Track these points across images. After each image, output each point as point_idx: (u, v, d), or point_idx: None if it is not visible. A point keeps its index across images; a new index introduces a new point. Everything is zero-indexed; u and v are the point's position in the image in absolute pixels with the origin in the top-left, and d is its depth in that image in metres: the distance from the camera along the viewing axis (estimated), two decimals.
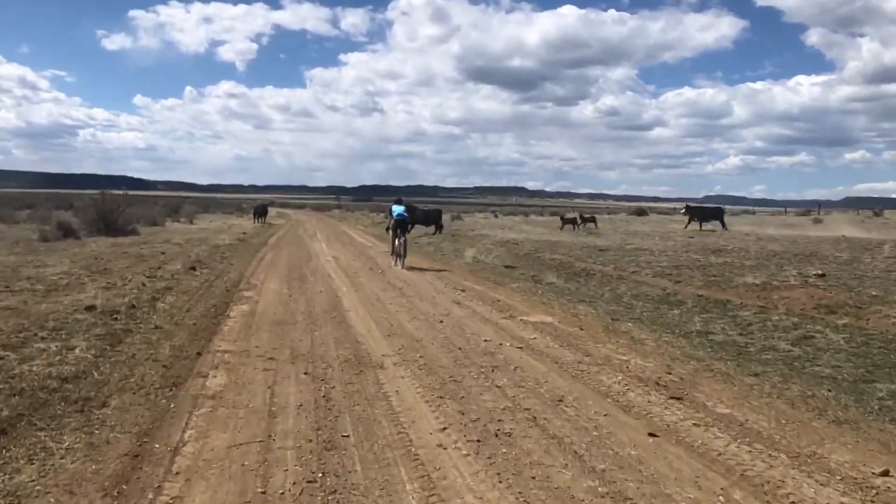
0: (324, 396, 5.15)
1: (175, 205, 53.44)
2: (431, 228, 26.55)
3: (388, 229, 16.42)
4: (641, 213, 76.79)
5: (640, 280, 12.79)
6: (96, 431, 4.25)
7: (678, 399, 5.37)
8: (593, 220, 32.45)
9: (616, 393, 5.49)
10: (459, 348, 6.87)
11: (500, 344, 7.14)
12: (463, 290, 11.33)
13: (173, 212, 47.73)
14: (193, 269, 12.94)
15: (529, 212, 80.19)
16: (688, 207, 32.71)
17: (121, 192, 27.48)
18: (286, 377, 5.70)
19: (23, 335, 6.65)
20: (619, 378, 5.94)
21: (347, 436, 4.34)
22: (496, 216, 61.68)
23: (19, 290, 9.62)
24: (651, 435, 4.51)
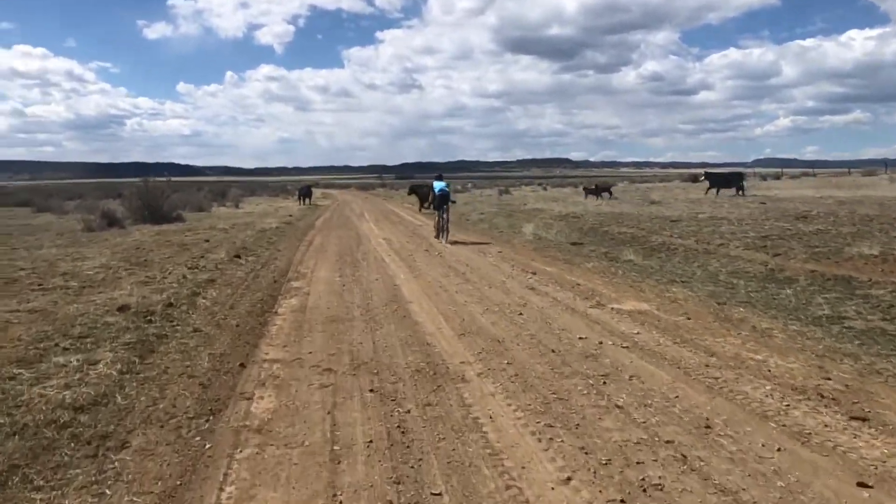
0: (398, 427, 4.01)
1: (221, 189, 53.38)
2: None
3: (430, 205, 16.56)
4: (695, 179, 73.67)
5: (732, 254, 11.29)
6: (107, 492, 3.21)
7: (862, 420, 4.04)
8: (608, 189, 33.17)
9: (775, 412, 4.19)
10: (553, 350, 5.64)
11: (600, 343, 5.88)
12: (534, 273, 10.08)
13: (220, 196, 47.61)
14: (238, 256, 12.04)
15: (578, 182, 77.50)
16: (706, 174, 33.21)
17: (164, 178, 26.93)
18: (348, 396, 4.59)
19: (43, 345, 5.74)
20: (768, 388, 4.63)
21: (439, 494, 3.18)
22: (544, 189, 59.84)
23: (52, 288, 8.82)
24: (861, 486, 3.22)
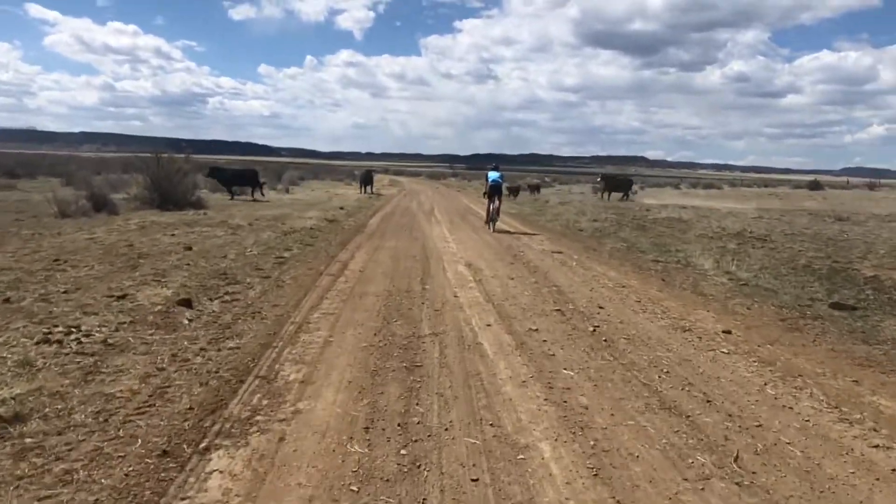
0: None
1: (278, 171, 48.77)
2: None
3: (484, 194, 16.37)
4: (816, 186, 63.77)
5: None
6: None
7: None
8: (538, 188, 33.86)
9: None
10: None
11: None
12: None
13: (276, 179, 43.05)
14: (187, 303, 6.12)
15: (666, 182, 69.13)
16: (603, 176, 33.45)
17: (184, 154, 21.42)
18: None
19: None
20: None
21: None
22: (641, 187, 52.26)
23: None
24: None
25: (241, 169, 26.23)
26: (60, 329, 4.96)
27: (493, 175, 15.82)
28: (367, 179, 34.21)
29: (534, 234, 14.31)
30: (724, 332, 5.78)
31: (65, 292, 6.37)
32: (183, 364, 4.37)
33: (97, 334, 4.88)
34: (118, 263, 8.25)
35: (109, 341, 4.75)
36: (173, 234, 11.76)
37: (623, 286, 7.99)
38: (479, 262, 9.70)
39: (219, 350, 4.75)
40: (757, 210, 23.43)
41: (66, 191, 24.62)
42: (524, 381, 4.30)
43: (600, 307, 6.66)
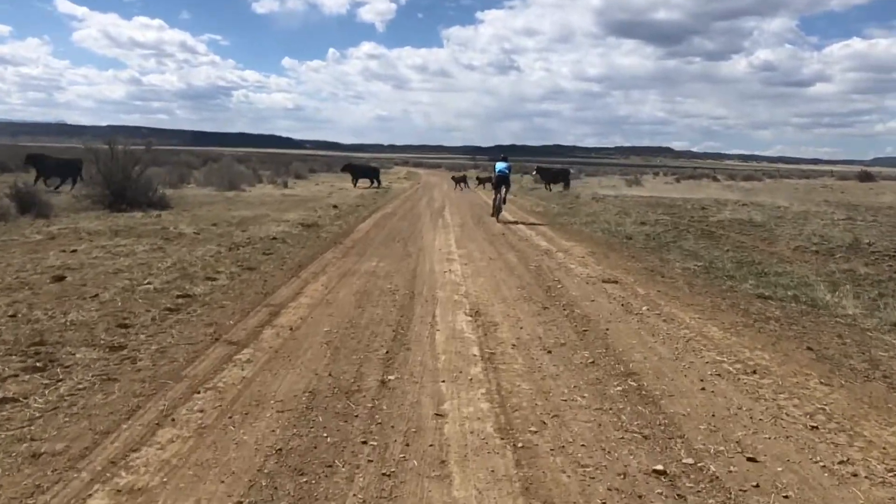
0: None
1: (286, 163, 45.72)
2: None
3: (484, 182, 17.76)
4: (867, 177, 58.67)
5: None
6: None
7: None
8: (566, 179, 31.56)
9: None
10: None
11: None
12: None
13: (283, 169, 40.00)
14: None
15: (702, 174, 64.25)
16: (538, 168, 32.95)
17: (142, 145, 17.49)
18: None
19: None
20: None
21: None
22: (677, 180, 48.16)
23: None
24: None
25: (68, 158, 21.15)
26: None
27: (499, 165, 15.70)
28: (360, 172, 30.83)
29: (569, 245, 10.77)
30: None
31: None
32: None
33: None
34: None
35: None
36: (73, 251, 8.48)
37: (748, 367, 4.45)
38: (493, 303, 6.19)
39: None
40: (833, 206, 19.48)
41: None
42: None
43: (750, 459, 3.11)
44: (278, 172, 36.86)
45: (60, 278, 6.65)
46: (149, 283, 6.53)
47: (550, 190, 28.97)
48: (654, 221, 14.71)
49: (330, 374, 4.08)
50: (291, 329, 5.11)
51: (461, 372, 4.18)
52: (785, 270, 8.59)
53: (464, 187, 30.49)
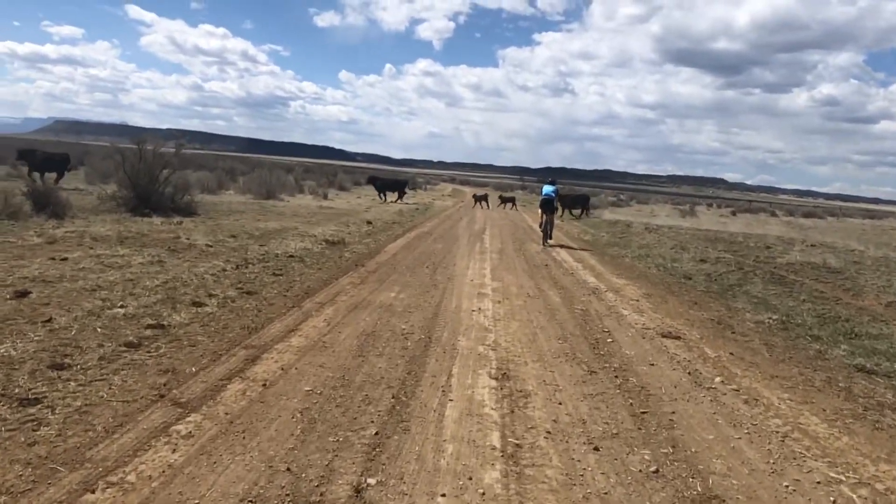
0: None
1: (332, 173, 45.37)
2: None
3: (506, 203, 17.38)
4: None
5: None
6: None
7: None
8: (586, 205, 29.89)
9: None
10: None
11: None
12: None
13: (327, 182, 39.57)
14: None
15: (732, 204, 61.29)
16: (369, 178, 32.75)
17: (173, 146, 16.35)
18: None
19: None
20: None
21: None
22: (773, 214, 45.75)
23: None
24: None
25: (52, 152, 20.98)
26: None
27: (546, 189, 15.21)
28: (387, 186, 29.98)
29: (621, 283, 9.45)
30: None
31: None
32: None
33: None
34: None
35: None
36: (63, 259, 7.65)
37: (879, 495, 3.12)
38: (526, 361, 4.97)
39: None
40: None
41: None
42: None
43: None
44: (321, 183, 36.42)
45: (24, 294, 5.74)
46: (122, 307, 5.56)
47: (572, 214, 27.99)
48: (715, 259, 13.22)
49: (289, 469, 2.94)
50: (265, 385, 4.01)
51: (471, 479, 2.98)
52: (882, 332, 7.13)
53: (507, 207, 30.15)
